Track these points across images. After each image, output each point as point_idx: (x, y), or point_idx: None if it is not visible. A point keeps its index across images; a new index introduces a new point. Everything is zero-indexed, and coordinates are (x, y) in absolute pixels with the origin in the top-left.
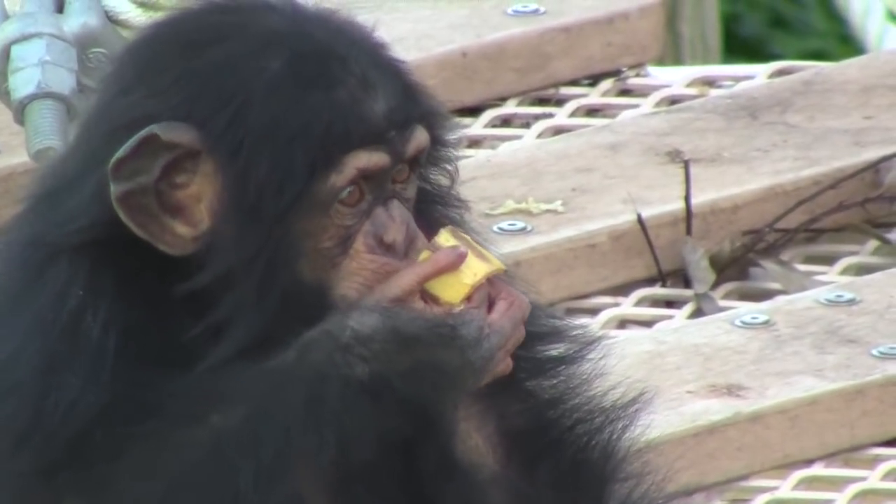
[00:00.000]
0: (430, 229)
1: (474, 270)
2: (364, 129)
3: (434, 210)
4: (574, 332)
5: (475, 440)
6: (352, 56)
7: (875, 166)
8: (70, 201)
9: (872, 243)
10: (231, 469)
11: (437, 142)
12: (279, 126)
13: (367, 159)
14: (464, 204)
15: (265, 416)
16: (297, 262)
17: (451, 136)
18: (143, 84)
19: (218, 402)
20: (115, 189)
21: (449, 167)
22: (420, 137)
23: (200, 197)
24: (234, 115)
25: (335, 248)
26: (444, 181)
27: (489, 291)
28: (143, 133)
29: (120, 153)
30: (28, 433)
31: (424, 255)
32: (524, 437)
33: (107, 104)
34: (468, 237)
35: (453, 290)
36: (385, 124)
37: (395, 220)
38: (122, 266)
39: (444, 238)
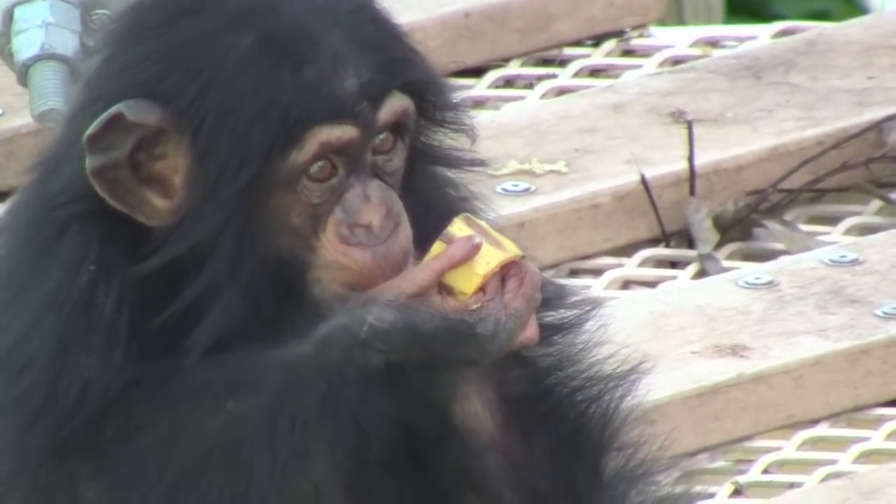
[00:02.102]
0: (444, 215)
1: (487, 259)
2: (328, 104)
3: (446, 195)
4: (574, 299)
5: (474, 405)
6: (325, 33)
7: (878, 126)
8: (65, 171)
9: (876, 203)
10: (246, 458)
11: (434, 106)
12: (241, 105)
13: (330, 133)
14: (481, 164)
15: (282, 408)
16: (271, 238)
17: (451, 99)
18: (119, 56)
19: (235, 389)
20: (89, 163)
21: (461, 128)
22: (395, 104)
23: (175, 169)
24: (198, 93)
25: (306, 227)
26: (458, 142)
27: (500, 270)
28: (110, 111)
29: (91, 129)
30: (41, 413)
31: (438, 246)
32: (522, 403)
33: (91, 74)
34: (483, 223)
35: (467, 280)
36: (354, 98)
37: (372, 200)
38: (127, 238)
39: (458, 227)
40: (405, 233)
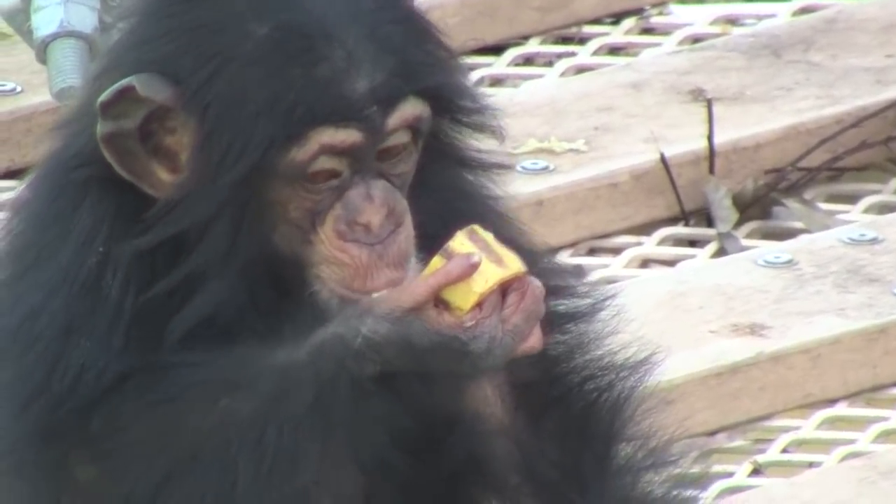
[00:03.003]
0: (460, 218)
1: (486, 277)
2: (334, 105)
3: (467, 195)
4: (587, 288)
5: (484, 389)
6: (342, 31)
7: None
8: (80, 137)
9: (895, 182)
10: (234, 458)
11: (455, 111)
12: (248, 95)
13: (333, 136)
14: (504, 167)
15: (273, 412)
16: (269, 228)
17: (476, 103)
18: (140, 29)
19: (229, 388)
20: (100, 128)
21: (486, 130)
22: (407, 111)
23: (182, 146)
24: (209, 77)
25: (305, 222)
26: (484, 146)
27: (502, 285)
28: (124, 82)
29: (103, 96)
30: (39, 393)
31: (437, 261)
32: (533, 389)
33: (113, 43)
34: (488, 236)
35: (464, 297)
36: (363, 101)
37: (374, 200)
38: (133, 208)
39: (459, 243)
40: (406, 234)
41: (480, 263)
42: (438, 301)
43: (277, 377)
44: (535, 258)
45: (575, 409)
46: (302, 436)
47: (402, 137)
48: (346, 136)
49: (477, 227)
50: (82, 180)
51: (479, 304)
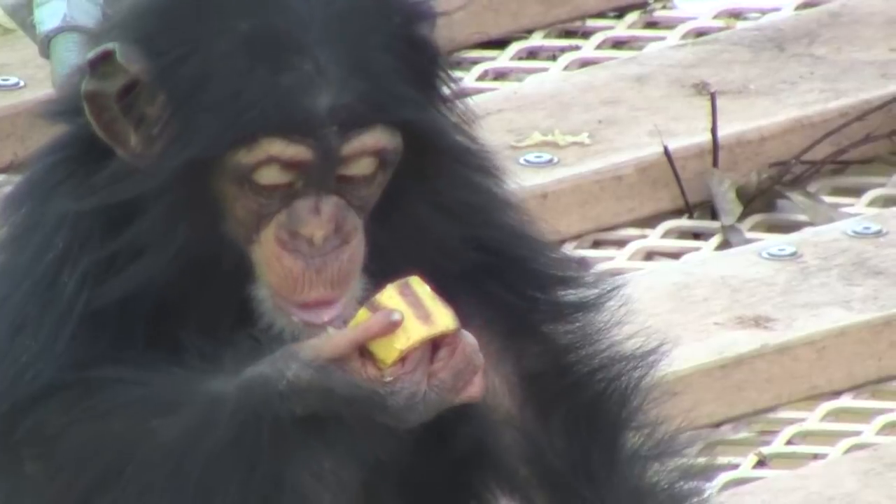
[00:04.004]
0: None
1: (409, 334)
2: (290, 117)
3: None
4: (594, 278)
5: (491, 380)
6: (319, 44)
7: None
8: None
9: None
10: (155, 481)
11: (431, 148)
12: (212, 85)
13: (283, 149)
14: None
15: (194, 441)
16: (214, 219)
17: (454, 143)
18: (134, 4)
19: (160, 410)
20: (84, 84)
21: (465, 168)
22: (370, 140)
23: (154, 117)
24: (180, 59)
25: (251, 223)
26: (465, 195)
27: (434, 339)
28: (105, 46)
29: (90, 55)
30: None
31: (363, 314)
32: (540, 380)
33: (113, 13)
34: (422, 291)
35: (386, 351)
36: (320, 120)
37: (321, 214)
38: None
39: (387, 296)
40: (351, 254)
41: (402, 321)
42: (365, 352)
43: (204, 407)
44: (540, 248)
45: (583, 400)
46: (221, 469)
47: (366, 167)
48: (296, 151)
49: (414, 280)
50: (61, 163)
51: (402, 360)
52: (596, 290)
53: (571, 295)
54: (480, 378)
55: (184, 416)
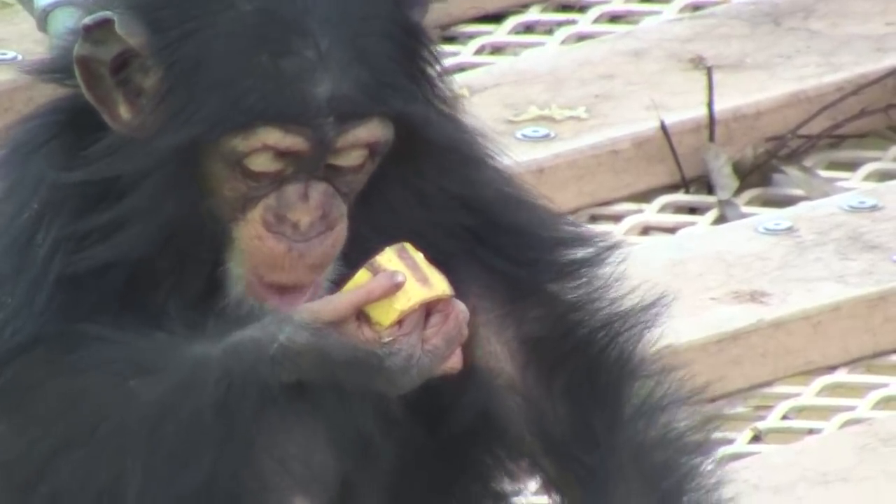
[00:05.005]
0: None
1: (409, 295)
2: (288, 105)
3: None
4: (593, 238)
5: (493, 346)
6: (322, 29)
7: None
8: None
9: (895, 149)
10: (130, 441)
11: (422, 142)
12: (212, 65)
13: (279, 138)
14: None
15: (175, 404)
16: (200, 196)
17: (445, 136)
18: None
19: (140, 370)
20: (77, 48)
21: (452, 162)
22: (364, 132)
23: (146, 88)
24: (183, 36)
25: (236, 202)
26: (452, 182)
27: (427, 305)
28: (106, 13)
29: (87, 20)
30: None
31: (363, 275)
32: (542, 343)
33: None
34: (417, 256)
35: (385, 313)
36: (318, 109)
37: (310, 201)
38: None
39: (387, 259)
40: (335, 238)
41: (405, 282)
42: (360, 315)
43: (187, 369)
44: (534, 211)
45: (584, 362)
46: (199, 435)
47: (356, 158)
48: (293, 142)
49: (408, 245)
50: (47, 127)
51: (399, 322)
52: (595, 249)
53: (569, 255)
54: (460, 351)
55: (165, 377)
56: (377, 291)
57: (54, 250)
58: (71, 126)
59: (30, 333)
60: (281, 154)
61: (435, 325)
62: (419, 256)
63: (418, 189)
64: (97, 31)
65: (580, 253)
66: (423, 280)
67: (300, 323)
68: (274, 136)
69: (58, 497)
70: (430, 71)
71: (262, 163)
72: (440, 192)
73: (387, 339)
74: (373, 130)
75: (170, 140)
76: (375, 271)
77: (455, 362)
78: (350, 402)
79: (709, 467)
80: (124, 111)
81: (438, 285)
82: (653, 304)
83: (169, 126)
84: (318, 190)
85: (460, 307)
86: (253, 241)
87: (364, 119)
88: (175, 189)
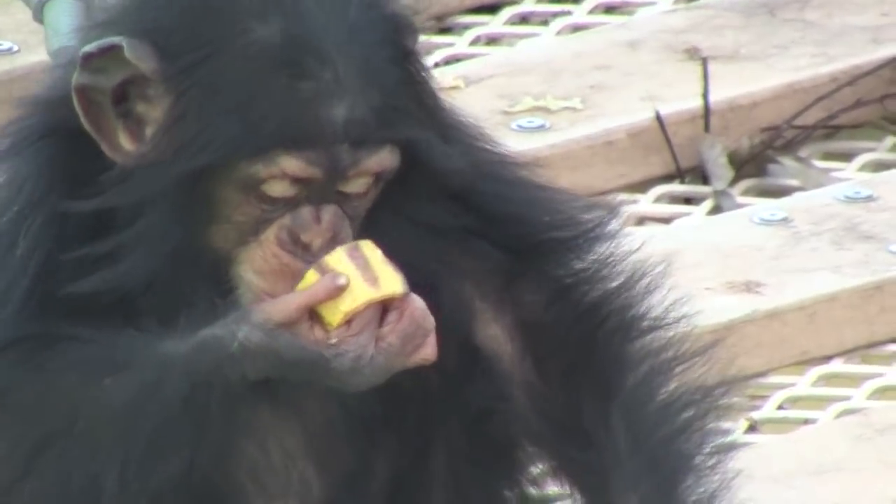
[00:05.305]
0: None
1: (355, 296)
2: (308, 130)
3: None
4: (590, 219)
5: (493, 329)
6: (338, 53)
7: (893, 63)
8: (57, 89)
9: (890, 140)
10: (105, 439)
11: (423, 167)
12: (229, 90)
13: (298, 167)
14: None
15: (148, 400)
16: (210, 224)
17: (448, 163)
18: None
19: (112, 368)
20: (76, 77)
21: (452, 189)
22: (372, 164)
23: (152, 119)
24: (197, 61)
25: (247, 227)
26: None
27: (384, 303)
28: (113, 39)
29: (88, 48)
30: None
31: (311, 275)
32: (538, 326)
33: (115, 1)
34: (372, 254)
35: (332, 313)
36: (335, 135)
37: (322, 222)
38: (71, 173)
39: (335, 259)
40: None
41: (348, 284)
42: (313, 315)
43: (156, 367)
44: (535, 193)
45: (580, 345)
46: (171, 430)
47: (363, 186)
48: (312, 172)
49: (363, 243)
50: (43, 130)
51: (348, 322)
52: (590, 229)
53: (565, 236)
54: (434, 340)
55: (135, 375)
56: (320, 293)
57: (32, 251)
58: (67, 150)
59: (6, 336)
60: (297, 181)
61: (390, 323)
62: (375, 255)
63: (416, 205)
64: (98, 59)
65: (575, 233)
66: (372, 280)
67: (255, 323)
68: (293, 165)
69: (41, 496)
70: (433, 98)
71: (278, 189)
72: (438, 196)
73: (333, 341)
74: (383, 159)
75: (184, 166)
76: (323, 272)
77: (428, 353)
78: (323, 398)
79: (707, 452)
80: (125, 141)
81: (388, 285)
82: (650, 284)
83: (182, 152)
84: (329, 212)
85: (417, 303)
86: (268, 260)
87: (377, 147)
88: (185, 217)
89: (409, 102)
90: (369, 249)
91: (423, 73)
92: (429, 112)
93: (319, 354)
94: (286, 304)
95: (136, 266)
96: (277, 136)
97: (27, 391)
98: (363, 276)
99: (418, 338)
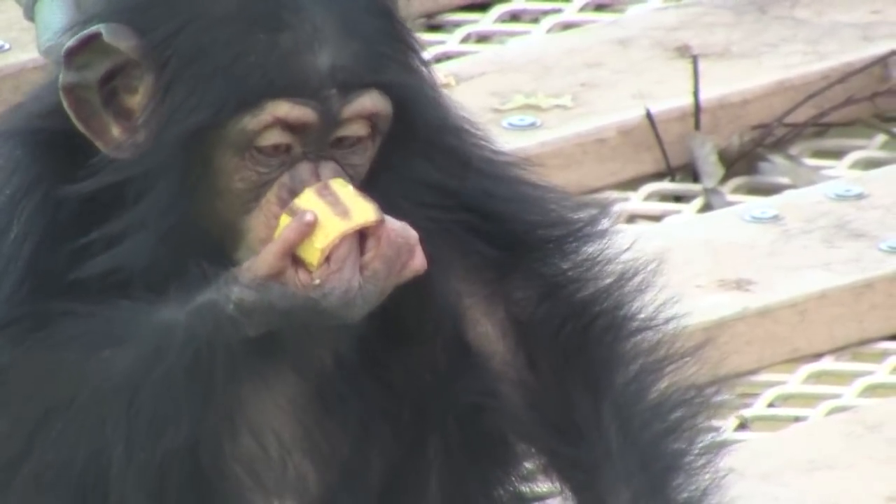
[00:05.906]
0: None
1: (327, 231)
2: (293, 79)
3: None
4: (580, 216)
5: (484, 327)
6: (314, 4)
7: (883, 60)
8: (48, 89)
9: (881, 137)
10: (108, 410)
11: (415, 122)
12: (210, 53)
13: (288, 110)
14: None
15: (150, 369)
16: (209, 195)
17: (437, 117)
18: None
19: (111, 340)
20: (62, 78)
21: (442, 149)
22: (366, 103)
23: (139, 105)
24: (173, 31)
25: (248, 193)
26: (440, 172)
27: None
28: (91, 29)
29: (70, 43)
30: None
31: (284, 219)
32: (529, 324)
33: None
34: (342, 189)
35: (311, 254)
36: (322, 80)
37: (321, 179)
38: (63, 162)
39: (305, 199)
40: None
41: (316, 221)
42: (297, 260)
43: (156, 335)
44: (525, 190)
45: (570, 342)
46: (174, 398)
47: (360, 130)
48: (301, 113)
49: (333, 181)
50: (37, 130)
51: (327, 259)
52: (582, 228)
53: (555, 233)
54: (420, 252)
55: (135, 345)
56: (293, 235)
57: (25, 235)
58: (61, 134)
59: (3, 316)
60: (290, 127)
61: (371, 251)
62: (345, 190)
63: (408, 177)
64: (80, 55)
65: (566, 231)
66: (344, 213)
67: (244, 282)
68: (283, 109)
69: (43, 475)
70: (415, 52)
71: (272, 138)
72: (429, 179)
73: (317, 281)
74: (373, 102)
75: (176, 131)
76: (294, 214)
77: (416, 265)
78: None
79: (698, 450)
80: (118, 133)
81: (360, 215)
82: (641, 283)
83: (172, 120)
84: (328, 168)
85: (393, 224)
86: (270, 222)
87: (364, 90)
88: (185, 192)
89: (392, 51)
90: (339, 185)
91: (403, 27)
92: (413, 63)
93: (307, 297)
94: (266, 256)
95: (137, 247)
96: (264, 86)
97: (27, 368)
98: (334, 210)
99: (403, 256)
